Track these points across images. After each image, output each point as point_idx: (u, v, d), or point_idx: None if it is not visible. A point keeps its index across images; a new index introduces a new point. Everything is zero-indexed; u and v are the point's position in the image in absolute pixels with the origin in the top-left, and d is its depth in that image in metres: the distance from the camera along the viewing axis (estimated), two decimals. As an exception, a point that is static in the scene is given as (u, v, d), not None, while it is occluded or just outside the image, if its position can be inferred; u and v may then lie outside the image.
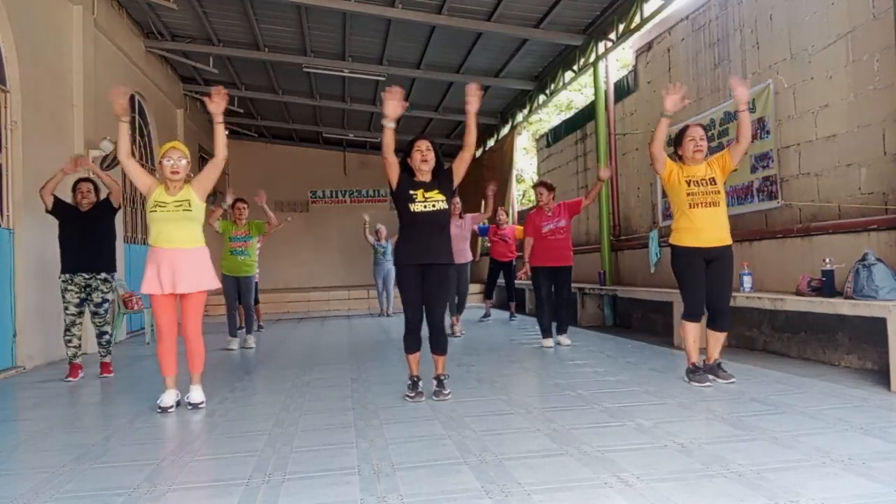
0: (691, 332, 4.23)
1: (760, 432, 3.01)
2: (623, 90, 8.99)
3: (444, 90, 12.11)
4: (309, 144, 17.37)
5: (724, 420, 3.27)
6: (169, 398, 4.00)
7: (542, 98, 11.45)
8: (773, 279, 5.75)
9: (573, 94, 18.08)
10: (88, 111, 7.53)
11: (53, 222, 6.91)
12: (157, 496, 2.47)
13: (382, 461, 2.78)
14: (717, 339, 4.27)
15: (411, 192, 4.02)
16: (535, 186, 6.65)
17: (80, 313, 5.31)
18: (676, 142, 4.28)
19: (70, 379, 5.25)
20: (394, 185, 4.09)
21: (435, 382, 4.11)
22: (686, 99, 4.20)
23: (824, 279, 4.74)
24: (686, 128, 4.27)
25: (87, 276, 5.26)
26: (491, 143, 14.51)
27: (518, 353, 6.13)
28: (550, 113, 18.98)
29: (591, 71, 9.18)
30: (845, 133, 5.18)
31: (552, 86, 10.75)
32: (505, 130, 13.48)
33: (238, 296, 7.11)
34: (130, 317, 8.62)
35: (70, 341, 5.30)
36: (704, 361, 4.29)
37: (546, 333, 6.39)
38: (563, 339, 6.44)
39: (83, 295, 5.29)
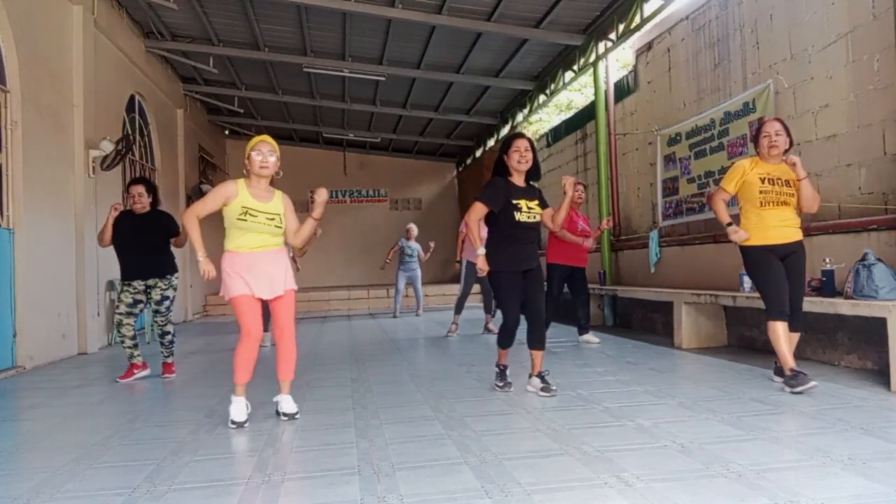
0: (782, 333, 3.95)
1: (760, 432, 3.01)
2: (623, 90, 8.99)
3: (444, 90, 12.11)
4: (309, 144, 17.37)
5: (724, 420, 3.27)
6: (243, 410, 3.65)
7: (542, 98, 11.45)
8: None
9: (573, 94, 18.05)
10: (88, 111, 7.53)
11: (53, 222, 6.93)
12: (157, 496, 2.47)
13: (382, 461, 2.78)
14: (793, 340, 4.11)
15: (514, 201, 4.03)
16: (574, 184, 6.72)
17: (131, 314, 5.18)
18: (755, 139, 4.25)
19: (120, 380, 5.20)
20: (494, 209, 4.08)
21: (539, 380, 4.13)
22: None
23: (824, 279, 4.74)
24: (762, 124, 4.22)
25: (145, 282, 5.21)
26: (491, 143, 14.51)
27: (518, 353, 6.12)
28: (550, 113, 18.96)
29: (591, 71, 9.18)
30: (845, 133, 5.18)
31: (552, 86, 10.75)
32: (505, 130, 13.48)
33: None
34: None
35: (122, 342, 5.24)
36: (803, 371, 3.94)
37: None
38: (592, 338, 6.58)
39: (140, 297, 5.20)
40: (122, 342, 5.25)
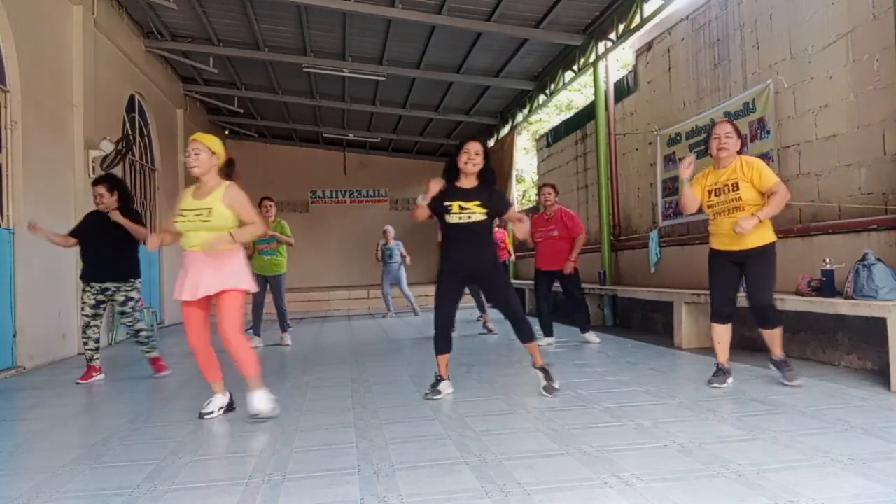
0: (715, 334, 4.22)
1: (760, 432, 3.01)
2: (623, 90, 8.99)
3: (444, 90, 12.11)
4: (309, 144, 17.37)
5: (724, 420, 3.27)
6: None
7: (542, 98, 11.45)
8: (773, 279, 5.74)
9: (573, 94, 18.08)
10: (88, 111, 7.53)
11: (54, 222, 6.93)
12: (157, 496, 2.47)
13: (382, 461, 2.78)
14: (769, 336, 4.20)
15: (447, 203, 4.03)
16: (541, 188, 6.66)
17: (97, 315, 5.16)
18: (706, 141, 4.24)
19: (81, 381, 5.13)
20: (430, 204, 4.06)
21: (542, 375, 4.10)
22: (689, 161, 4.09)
23: (824, 279, 4.74)
24: (713, 125, 4.19)
25: (100, 284, 5.11)
26: (491, 143, 14.51)
27: (518, 353, 6.12)
28: (550, 113, 18.98)
29: (591, 71, 9.18)
30: (845, 133, 5.18)
31: (552, 86, 10.75)
32: (505, 130, 13.49)
33: (272, 296, 7.24)
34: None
35: (86, 343, 5.20)
36: (770, 356, 4.29)
37: (546, 333, 6.45)
38: (591, 337, 6.55)
39: (101, 297, 5.15)
40: (86, 343, 5.18)
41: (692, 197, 4.16)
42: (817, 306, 4.65)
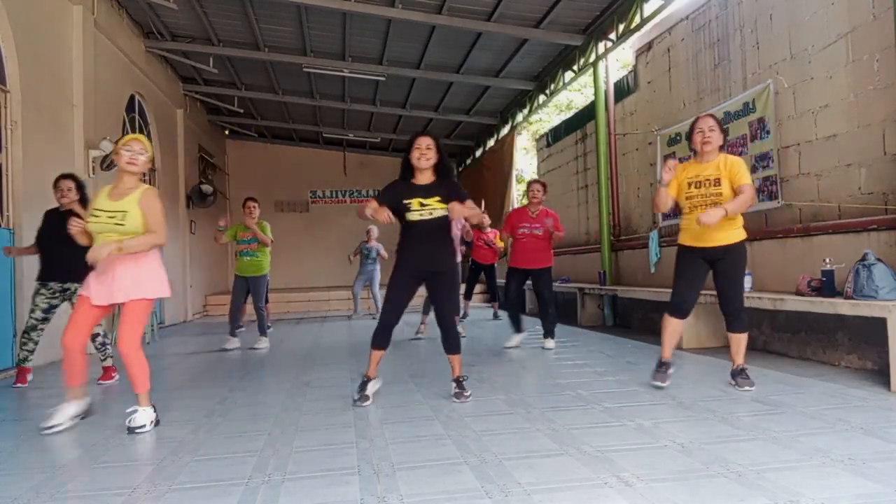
0: (669, 326, 4.19)
1: (760, 432, 3.01)
2: (623, 90, 8.99)
3: (444, 90, 12.10)
4: (309, 144, 17.37)
5: (724, 420, 3.27)
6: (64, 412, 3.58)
7: (542, 98, 11.45)
8: (773, 279, 5.75)
9: (573, 94, 18.07)
10: (88, 111, 7.53)
11: (53, 222, 6.91)
12: (157, 496, 2.47)
13: (382, 461, 2.78)
14: (734, 341, 4.13)
15: (406, 201, 3.94)
16: (531, 183, 6.50)
17: (46, 319, 5.04)
18: (689, 135, 4.18)
19: (19, 385, 5.04)
20: (381, 203, 3.94)
21: (454, 385, 4.06)
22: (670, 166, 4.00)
23: (824, 279, 4.74)
24: (696, 120, 4.13)
25: (61, 284, 4.99)
26: (491, 143, 14.51)
27: (518, 353, 6.12)
28: (550, 113, 18.97)
29: (591, 71, 9.18)
30: (845, 133, 5.18)
31: (552, 86, 10.75)
32: (505, 130, 13.48)
33: (246, 296, 7.15)
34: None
35: (26, 344, 5.04)
36: (668, 366, 4.19)
37: (517, 330, 6.39)
38: (547, 343, 6.29)
39: (56, 301, 5.03)
40: (25, 345, 5.04)
41: (667, 196, 4.07)
42: (817, 306, 4.66)
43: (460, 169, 18.02)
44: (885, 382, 4.04)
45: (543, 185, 6.46)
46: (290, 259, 16.63)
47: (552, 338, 6.33)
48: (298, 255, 16.95)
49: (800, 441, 2.85)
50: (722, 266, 4.04)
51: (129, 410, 3.58)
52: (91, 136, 7.52)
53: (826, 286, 4.71)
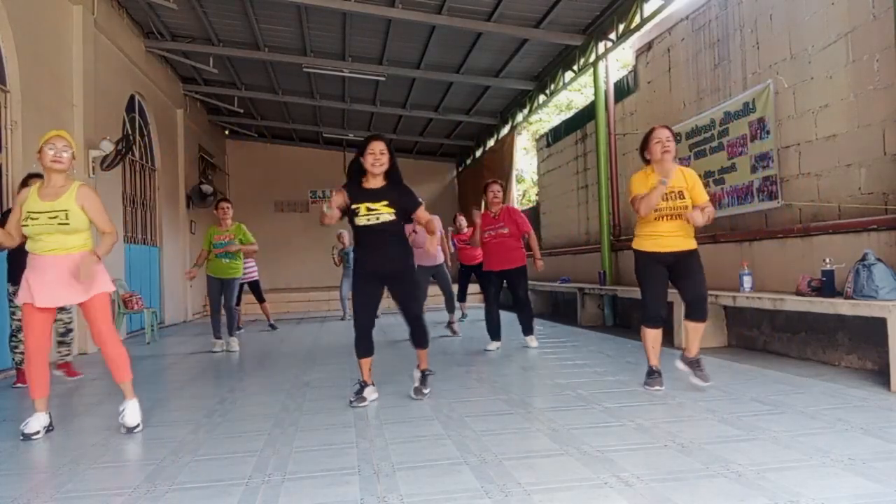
0: (650, 337, 4.18)
1: (760, 432, 3.01)
2: (623, 90, 8.99)
3: (444, 90, 12.11)
4: (309, 144, 17.37)
5: (724, 420, 3.27)
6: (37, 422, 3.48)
7: (542, 98, 11.45)
8: (773, 279, 5.75)
9: (573, 94, 18.07)
10: (88, 111, 7.53)
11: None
12: (157, 496, 2.47)
13: (382, 461, 2.78)
14: (695, 329, 4.15)
15: (354, 206, 3.92)
16: (489, 184, 6.35)
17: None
18: (643, 146, 4.18)
19: (20, 384, 5.00)
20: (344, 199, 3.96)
21: (420, 375, 4.15)
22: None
23: (824, 279, 4.74)
24: (652, 130, 4.14)
25: None
26: (491, 143, 14.51)
27: (517, 353, 6.12)
28: (550, 113, 18.98)
29: (591, 71, 9.18)
30: (845, 133, 5.18)
31: (552, 86, 10.75)
32: (505, 130, 13.49)
33: (224, 297, 7.03)
34: (130, 317, 8.62)
35: (17, 347, 5.02)
36: (683, 353, 4.22)
37: (493, 336, 6.27)
38: (531, 342, 6.30)
39: None
40: (16, 347, 5.03)
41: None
42: (817, 306, 4.66)
43: (460, 169, 18.03)
44: (885, 382, 4.05)
45: (502, 185, 6.42)
46: (291, 259, 16.64)
47: (532, 334, 6.37)
48: (298, 255, 16.94)
49: (800, 441, 2.85)
50: (682, 265, 4.09)
51: (121, 408, 3.57)
52: (91, 136, 7.52)
53: (826, 286, 4.71)
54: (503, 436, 3.14)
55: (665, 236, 4.05)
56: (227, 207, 7.01)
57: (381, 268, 4.00)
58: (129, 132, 9.41)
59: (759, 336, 5.96)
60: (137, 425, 3.51)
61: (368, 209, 3.90)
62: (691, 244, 4.11)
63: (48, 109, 6.78)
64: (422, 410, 3.78)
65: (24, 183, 4.94)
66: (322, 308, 13.53)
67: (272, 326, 9.55)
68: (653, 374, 4.17)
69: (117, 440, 3.35)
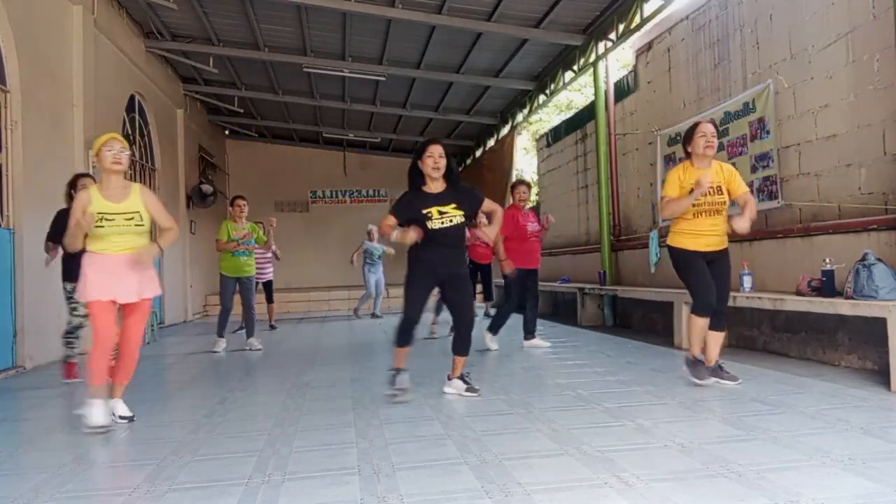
0: (699, 325, 4.17)
1: (760, 432, 3.01)
2: (623, 90, 8.99)
3: (444, 90, 12.10)
4: (309, 144, 17.37)
5: (724, 420, 3.27)
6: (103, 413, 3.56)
7: (542, 98, 11.44)
8: (773, 279, 5.75)
9: (573, 94, 18.07)
10: (88, 111, 7.53)
11: (53, 222, 6.90)
12: (157, 496, 2.47)
13: (382, 461, 2.78)
14: (718, 339, 4.22)
15: (425, 210, 3.98)
16: (515, 185, 6.43)
17: (88, 316, 5.17)
18: (686, 139, 4.21)
19: (74, 380, 5.07)
20: (400, 221, 4.04)
21: (461, 382, 4.13)
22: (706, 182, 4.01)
23: (824, 279, 4.74)
24: (697, 124, 4.18)
25: None
26: (491, 142, 14.50)
27: (517, 353, 6.12)
28: (550, 113, 18.98)
29: (591, 71, 9.18)
30: (845, 133, 5.18)
31: (552, 86, 10.75)
32: (505, 130, 13.48)
33: (241, 297, 7.04)
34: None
35: (72, 343, 5.13)
36: (704, 364, 4.25)
37: (496, 332, 6.30)
38: (541, 343, 6.32)
39: None
40: (71, 344, 5.10)
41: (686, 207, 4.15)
42: (817, 306, 4.66)
43: (460, 169, 18.04)
44: (885, 382, 4.04)
45: (527, 184, 6.51)
46: (291, 259, 16.54)
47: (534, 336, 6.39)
48: (299, 255, 16.92)
49: (800, 441, 2.84)
50: (714, 267, 4.15)
51: (113, 402, 3.66)
52: (91, 136, 7.50)
53: (826, 286, 4.71)
54: (503, 436, 3.14)
55: (704, 235, 4.09)
56: (244, 205, 7.03)
57: (445, 268, 4.05)
58: (129, 132, 9.41)
59: (759, 336, 5.96)
60: (132, 415, 3.67)
61: (440, 212, 3.99)
62: (725, 243, 4.18)
63: (48, 109, 6.79)
64: (422, 410, 3.78)
65: (73, 184, 5.07)
66: (322, 308, 13.53)
67: (272, 327, 9.57)
68: (698, 364, 4.18)
69: (117, 440, 3.35)
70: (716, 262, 4.14)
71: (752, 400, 3.71)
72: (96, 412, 3.47)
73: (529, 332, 6.38)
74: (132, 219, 3.54)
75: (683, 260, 4.20)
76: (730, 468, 2.51)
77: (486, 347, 6.19)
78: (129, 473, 2.76)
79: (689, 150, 4.18)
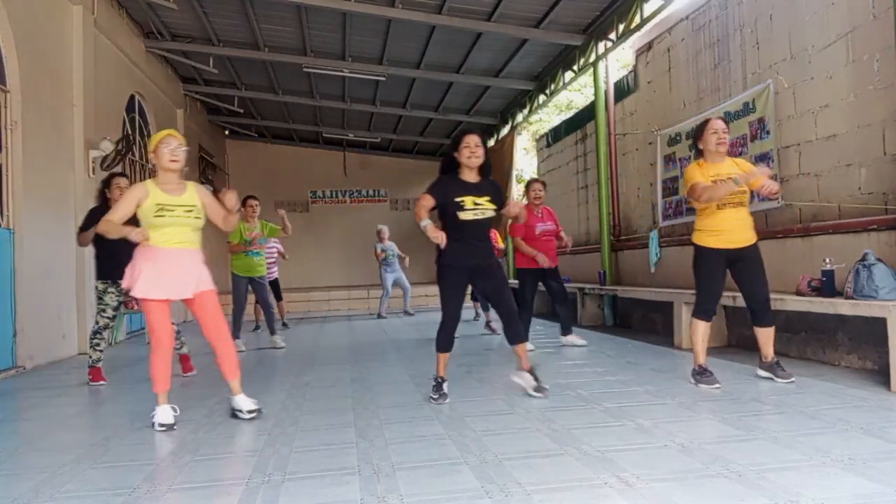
0: (700, 331, 4.18)
1: (760, 432, 3.01)
2: (623, 90, 8.99)
3: (444, 90, 12.10)
4: (309, 144, 17.37)
5: (724, 420, 3.27)
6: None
7: (542, 98, 11.44)
8: (773, 279, 5.69)
9: (573, 94, 18.08)
10: (88, 111, 7.53)
11: (53, 222, 6.93)
12: (157, 496, 2.47)
13: (382, 461, 2.78)
14: (766, 335, 4.19)
15: (457, 199, 3.93)
16: (530, 183, 6.47)
17: (116, 317, 5.18)
18: (697, 135, 4.20)
19: (100, 382, 5.04)
20: (438, 200, 3.97)
21: (532, 377, 4.04)
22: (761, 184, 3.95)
23: (824, 279, 4.74)
24: (707, 121, 4.18)
25: None
26: (491, 142, 14.49)
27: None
28: (550, 113, 18.98)
29: (591, 71, 9.18)
30: (845, 133, 5.18)
31: (552, 86, 10.75)
32: (505, 130, 13.48)
33: (255, 296, 7.08)
34: (130, 317, 8.62)
35: (99, 345, 5.09)
36: (761, 360, 4.27)
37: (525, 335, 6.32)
38: (577, 340, 6.33)
39: (122, 298, 5.11)
40: (98, 346, 5.08)
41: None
42: (817, 306, 4.65)
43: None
44: (885, 382, 4.04)
45: (544, 183, 6.49)
46: (291, 259, 16.52)
47: (575, 333, 6.41)
48: (298, 255, 16.85)
49: (800, 441, 2.84)
50: (744, 264, 4.14)
51: (233, 401, 3.73)
52: (91, 136, 7.52)
53: (826, 286, 4.71)
54: (503, 436, 3.14)
55: (728, 231, 4.06)
56: (256, 205, 7.03)
57: (477, 262, 4.03)
58: (129, 132, 9.41)
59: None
60: (258, 409, 3.69)
61: (475, 203, 3.95)
62: (753, 237, 4.15)
63: (48, 109, 6.79)
64: (422, 411, 3.78)
65: (107, 183, 5.11)
66: (322, 308, 13.53)
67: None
68: (704, 373, 4.15)
69: (117, 440, 3.35)
70: (744, 260, 4.11)
71: (752, 400, 3.71)
72: (162, 413, 3.56)
73: (565, 329, 6.41)
74: (191, 211, 3.61)
75: (701, 259, 4.20)
76: (730, 468, 2.51)
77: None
78: (129, 473, 2.76)
79: (701, 146, 4.18)
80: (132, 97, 9.64)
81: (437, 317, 4.18)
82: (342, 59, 10.55)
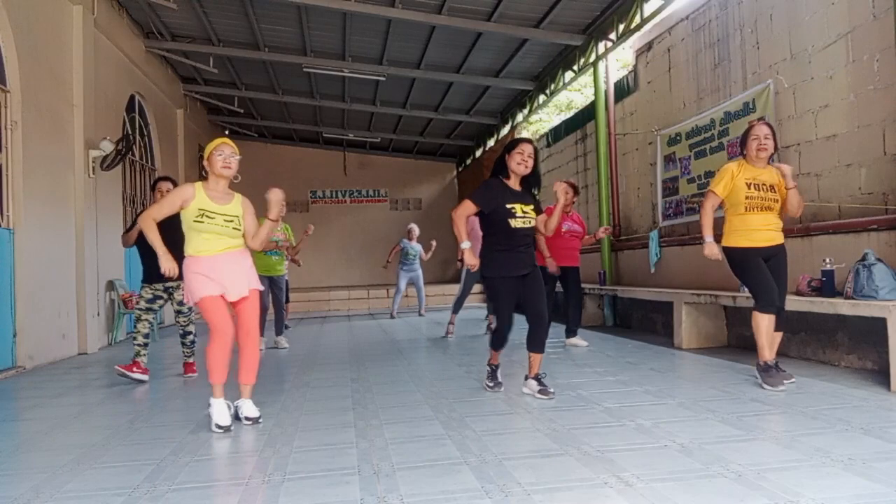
0: (764, 325, 4.08)
1: (760, 432, 3.01)
2: (623, 90, 8.99)
3: (444, 90, 12.11)
4: (309, 144, 17.38)
5: (724, 420, 3.27)
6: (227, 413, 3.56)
7: (542, 98, 11.45)
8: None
9: (573, 94, 18.05)
10: (88, 111, 7.53)
11: (53, 222, 6.93)
12: (157, 496, 2.47)
13: (382, 461, 2.78)
14: (777, 338, 4.21)
15: (509, 205, 3.96)
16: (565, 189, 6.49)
17: (150, 310, 5.32)
18: (742, 139, 4.27)
19: (119, 368, 5.14)
20: (484, 209, 4.02)
21: (536, 383, 4.06)
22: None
23: (824, 279, 4.74)
24: (751, 126, 4.25)
25: (163, 284, 5.28)
26: (491, 143, 14.51)
27: (519, 353, 6.12)
28: (550, 113, 18.96)
29: (591, 71, 9.18)
30: (845, 133, 5.18)
31: (552, 86, 10.75)
32: (505, 130, 13.48)
33: (273, 296, 7.09)
34: (131, 317, 8.61)
35: (135, 338, 5.25)
36: (778, 369, 4.19)
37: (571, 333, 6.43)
38: (580, 342, 6.36)
39: (161, 294, 5.31)
40: (135, 338, 5.23)
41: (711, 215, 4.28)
42: (817, 306, 4.65)
43: (460, 169, 18.03)
44: (885, 382, 4.04)
45: (574, 186, 6.41)
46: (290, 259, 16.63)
47: (578, 336, 6.47)
48: (298, 255, 16.96)
49: (800, 441, 2.85)
50: (775, 265, 4.19)
51: (238, 405, 3.68)
52: (91, 136, 7.52)
53: (826, 286, 4.71)
54: (503, 436, 3.14)
55: (758, 230, 4.12)
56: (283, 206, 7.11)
57: (525, 269, 4.06)
58: (129, 132, 9.41)
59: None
60: (259, 416, 3.64)
61: (524, 211, 4.00)
62: (781, 238, 4.21)
63: (48, 109, 6.79)
64: (422, 410, 3.78)
65: (154, 186, 5.28)
66: (322, 308, 13.53)
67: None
68: (770, 370, 4.08)
69: (117, 440, 3.35)
70: (773, 259, 4.16)
71: (752, 400, 3.71)
72: (218, 411, 3.50)
73: (570, 331, 6.44)
74: (231, 221, 3.63)
75: (740, 259, 4.21)
76: (730, 468, 2.51)
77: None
78: (129, 473, 2.76)
79: (745, 152, 4.24)
80: (132, 97, 9.64)
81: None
82: (342, 58, 10.55)
